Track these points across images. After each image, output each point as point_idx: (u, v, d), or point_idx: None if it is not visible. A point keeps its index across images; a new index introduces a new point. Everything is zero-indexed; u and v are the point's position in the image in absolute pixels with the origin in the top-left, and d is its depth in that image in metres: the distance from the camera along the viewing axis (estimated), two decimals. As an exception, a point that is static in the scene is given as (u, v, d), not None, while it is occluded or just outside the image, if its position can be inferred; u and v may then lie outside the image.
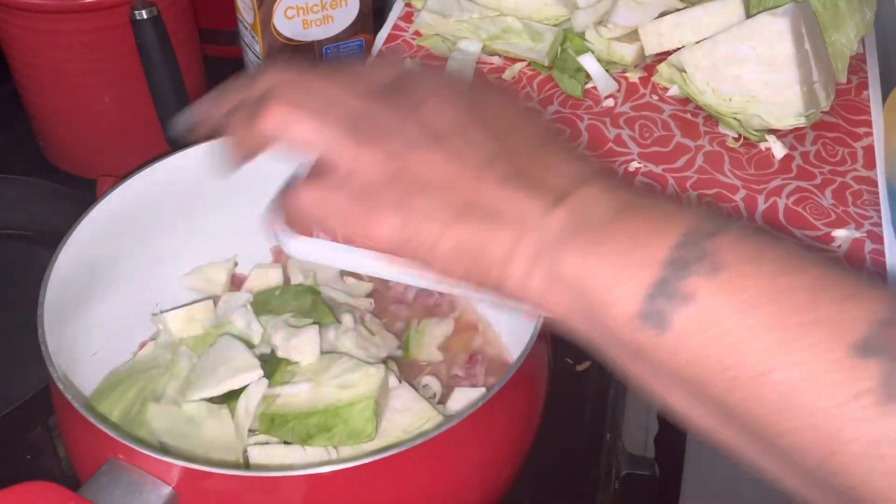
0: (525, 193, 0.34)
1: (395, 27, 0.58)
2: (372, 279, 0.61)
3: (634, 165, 0.49)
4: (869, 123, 0.59)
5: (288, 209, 0.38)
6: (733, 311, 0.29)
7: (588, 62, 0.55)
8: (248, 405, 0.44)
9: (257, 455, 0.44)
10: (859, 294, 0.29)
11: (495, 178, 0.34)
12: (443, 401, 0.51)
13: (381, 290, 0.60)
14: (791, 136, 0.58)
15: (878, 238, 0.51)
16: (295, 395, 0.45)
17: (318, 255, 0.44)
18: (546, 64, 0.58)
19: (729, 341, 0.29)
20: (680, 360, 0.30)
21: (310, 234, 0.40)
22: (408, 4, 0.61)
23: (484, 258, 0.34)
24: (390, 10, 0.85)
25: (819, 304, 0.28)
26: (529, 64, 0.60)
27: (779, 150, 0.56)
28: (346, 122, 0.35)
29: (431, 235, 0.34)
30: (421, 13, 0.58)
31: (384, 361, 0.50)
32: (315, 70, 0.38)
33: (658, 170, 0.48)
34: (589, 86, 0.59)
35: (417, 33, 0.57)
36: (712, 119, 0.59)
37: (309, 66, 0.38)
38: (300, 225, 0.39)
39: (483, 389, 0.48)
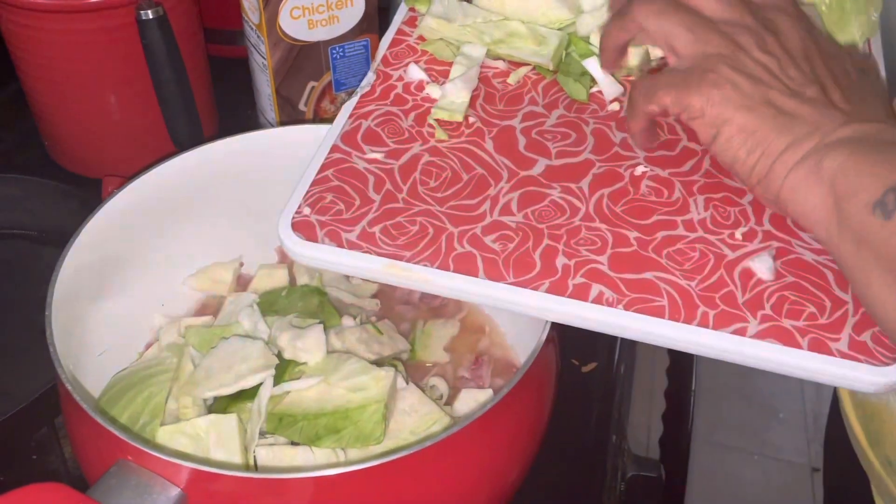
0: (826, 111, 0.42)
1: (399, 31, 0.58)
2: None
3: (641, 169, 0.49)
4: None
5: (643, 84, 0.46)
6: None
7: (593, 66, 0.55)
8: (260, 406, 0.44)
9: (265, 456, 0.44)
10: None
11: (806, 96, 0.42)
12: (449, 402, 0.51)
13: (386, 291, 0.60)
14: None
15: None
16: (304, 392, 0.45)
17: (322, 260, 0.44)
18: (551, 68, 0.58)
19: None
20: (892, 246, 0.37)
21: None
22: (411, 9, 0.61)
23: (763, 145, 0.42)
24: (395, 10, 0.85)
25: None
26: (534, 68, 0.60)
27: None
28: (697, 19, 0.44)
29: (726, 111, 0.42)
30: (424, 18, 0.57)
31: (392, 363, 0.50)
32: None
33: (665, 174, 0.48)
34: (594, 90, 0.58)
35: (422, 38, 0.57)
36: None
37: None
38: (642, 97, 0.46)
39: (490, 391, 0.48)
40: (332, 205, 0.46)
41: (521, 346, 0.56)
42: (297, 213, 0.45)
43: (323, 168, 0.48)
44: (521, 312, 0.43)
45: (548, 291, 0.42)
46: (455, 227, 0.44)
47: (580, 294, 0.42)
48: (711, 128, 0.43)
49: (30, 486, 0.36)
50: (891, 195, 0.37)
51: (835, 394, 0.68)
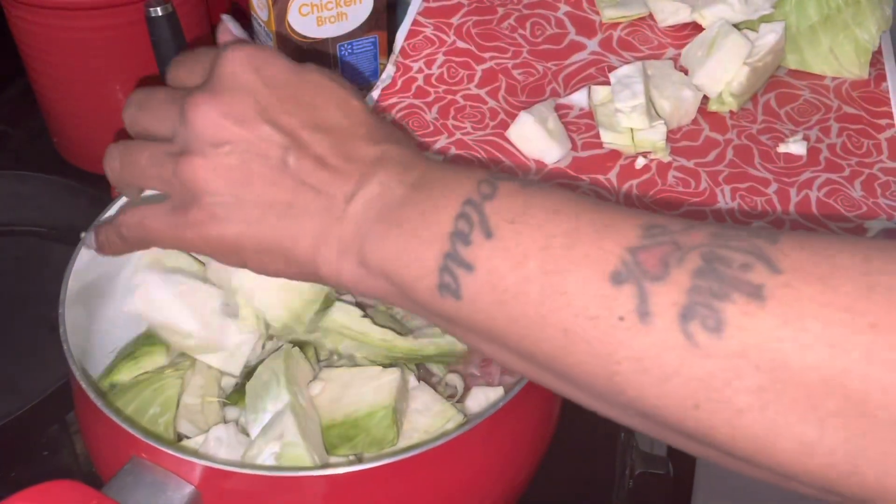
0: (322, 186, 0.35)
1: (416, 23, 0.58)
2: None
3: (641, 161, 0.49)
4: (891, 115, 0.60)
5: (113, 227, 0.41)
6: (508, 269, 0.32)
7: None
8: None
9: (278, 454, 0.44)
10: (612, 226, 0.31)
11: (291, 171, 0.35)
12: (460, 399, 0.51)
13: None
14: (817, 129, 0.58)
15: None
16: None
17: None
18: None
19: (510, 296, 0.32)
20: (479, 321, 0.33)
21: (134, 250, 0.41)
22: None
23: (291, 254, 0.36)
24: (401, 6, 0.85)
25: (577, 245, 0.31)
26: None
27: (798, 148, 0.56)
28: (159, 149, 0.37)
29: (232, 240, 0.36)
30: None
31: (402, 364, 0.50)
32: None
33: (690, 164, 0.48)
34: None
35: (439, 28, 0.57)
36: (737, 113, 0.59)
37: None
38: (126, 244, 0.41)
39: (500, 389, 0.48)
40: None
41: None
42: None
43: None
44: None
45: None
46: None
47: None
48: (233, 257, 0.37)
49: (46, 484, 0.36)
50: (446, 275, 0.33)
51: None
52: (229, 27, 0.42)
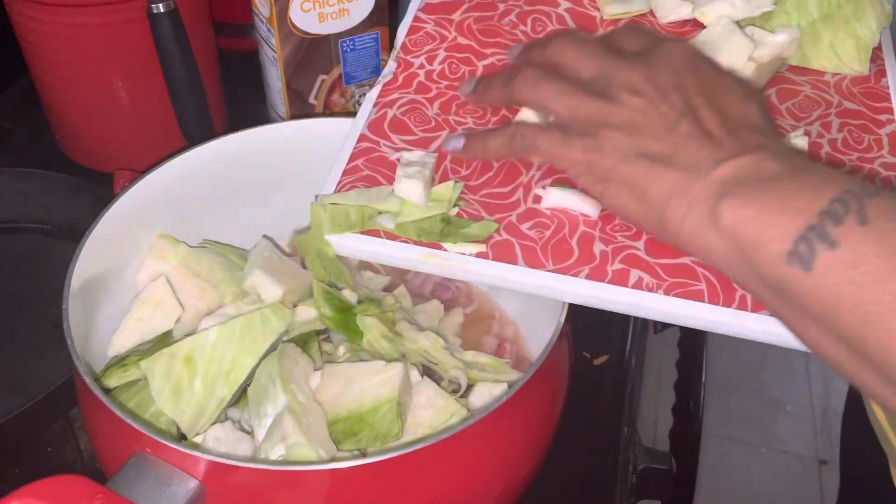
0: (701, 149, 0.40)
1: (417, 19, 0.58)
2: (389, 273, 0.61)
3: None
4: (891, 110, 0.60)
5: (515, 135, 0.46)
6: (874, 255, 0.33)
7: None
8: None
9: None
10: None
11: (680, 132, 0.41)
12: (465, 394, 0.52)
13: (398, 285, 0.60)
14: (818, 124, 0.58)
15: None
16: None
17: (361, 250, 0.44)
18: None
19: (868, 281, 0.33)
20: (820, 296, 0.34)
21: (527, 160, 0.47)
22: None
23: (646, 195, 0.40)
24: (402, 2, 0.85)
25: None
26: None
27: (799, 143, 0.56)
28: (576, 84, 0.44)
29: (606, 167, 0.42)
30: None
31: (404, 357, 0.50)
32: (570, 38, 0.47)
33: None
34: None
35: (440, 24, 0.57)
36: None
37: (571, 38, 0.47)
38: (510, 147, 0.46)
39: (504, 384, 0.49)
40: None
41: (534, 339, 0.56)
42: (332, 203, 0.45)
43: (353, 157, 0.47)
44: (560, 299, 0.43)
45: (588, 278, 0.42)
46: (490, 216, 0.44)
47: (620, 280, 0.42)
48: (598, 184, 0.43)
49: (50, 479, 0.36)
50: (802, 244, 0.34)
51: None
52: None
